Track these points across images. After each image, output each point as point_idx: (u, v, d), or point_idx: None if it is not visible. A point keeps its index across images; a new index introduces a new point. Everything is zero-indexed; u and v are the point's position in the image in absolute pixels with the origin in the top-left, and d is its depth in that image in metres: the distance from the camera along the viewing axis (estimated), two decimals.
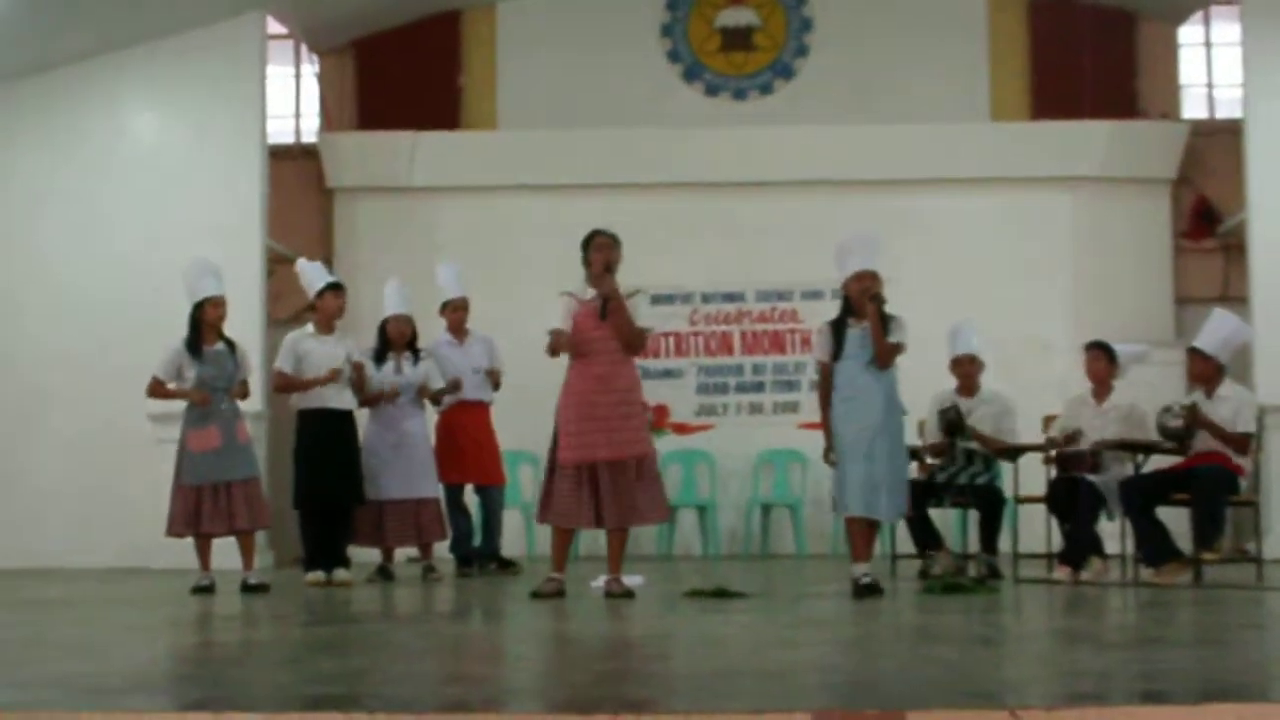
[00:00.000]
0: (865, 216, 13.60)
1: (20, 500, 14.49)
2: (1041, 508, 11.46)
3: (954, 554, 11.73)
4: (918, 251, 14.93)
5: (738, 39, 16.63)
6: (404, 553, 12.81)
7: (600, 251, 9.61)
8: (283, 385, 11.66)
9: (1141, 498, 10.72)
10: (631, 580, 9.97)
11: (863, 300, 9.62)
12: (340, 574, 11.41)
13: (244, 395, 11.10)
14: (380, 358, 12.15)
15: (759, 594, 9.89)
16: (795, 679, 5.48)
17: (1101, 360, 11.45)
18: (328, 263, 13.89)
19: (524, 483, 14.62)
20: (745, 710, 4.66)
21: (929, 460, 11.84)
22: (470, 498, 12.61)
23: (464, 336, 12.57)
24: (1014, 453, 11.48)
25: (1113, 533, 11.24)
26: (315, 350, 11.49)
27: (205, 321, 10.92)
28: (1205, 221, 15.95)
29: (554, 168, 15.84)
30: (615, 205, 14.60)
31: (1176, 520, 10.99)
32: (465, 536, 12.49)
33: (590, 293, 9.62)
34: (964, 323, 12.06)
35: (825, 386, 9.83)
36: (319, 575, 11.34)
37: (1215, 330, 11.07)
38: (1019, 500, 11.56)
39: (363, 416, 11.98)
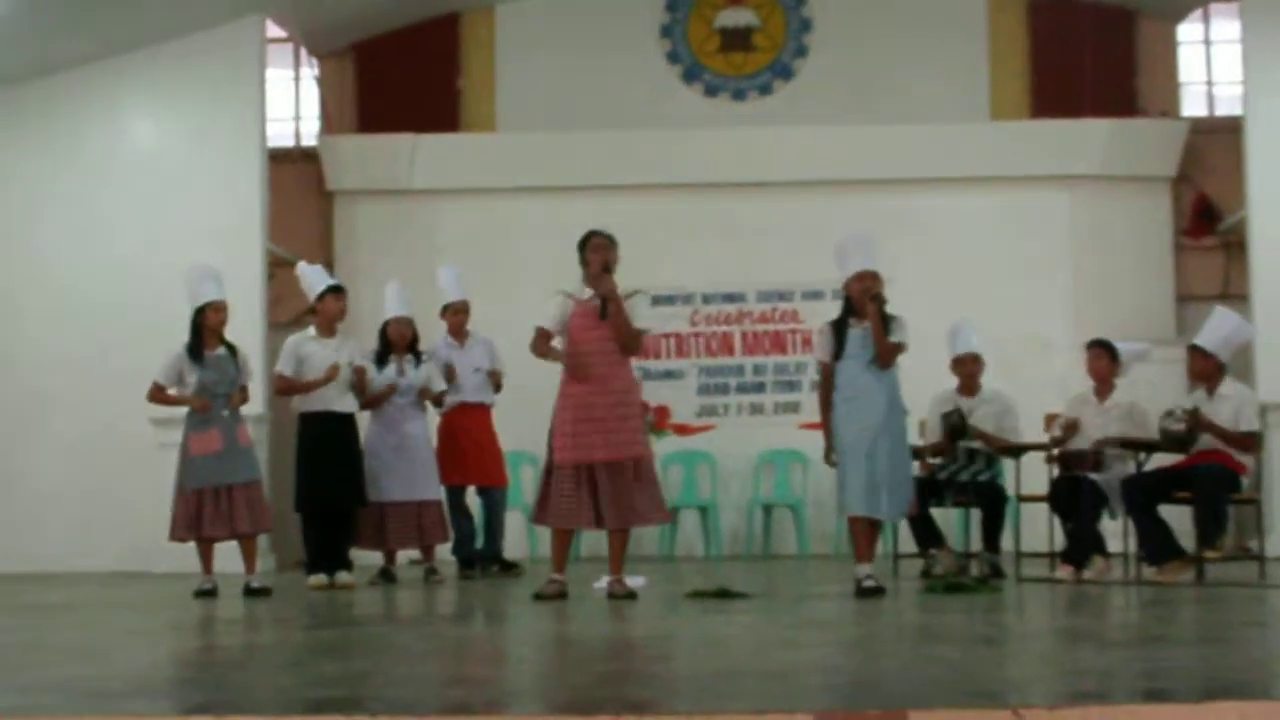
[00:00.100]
0: (865, 216, 13.60)
1: (21, 504, 14.48)
2: (1044, 507, 11.45)
3: (956, 553, 11.73)
4: (918, 251, 14.93)
5: (737, 40, 16.62)
6: (406, 555, 12.82)
7: (597, 252, 9.62)
8: (284, 388, 11.67)
9: (1143, 496, 10.73)
10: (634, 581, 9.97)
11: (864, 300, 9.63)
12: (342, 577, 11.41)
13: (244, 401, 11.09)
14: (381, 360, 12.15)
15: (761, 594, 9.89)
16: (797, 679, 5.48)
17: (1103, 359, 11.45)
18: (328, 265, 13.90)
19: (525, 484, 14.61)
20: (747, 711, 4.66)
21: (930, 460, 11.84)
22: (472, 500, 12.61)
23: (464, 338, 12.58)
24: (1016, 451, 11.47)
25: (1115, 531, 11.25)
26: (316, 353, 11.49)
27: (207, 326, 10.92)
28: (1206, 219, 15.95)
29: (553, 169, 15.84)
30: (615, 206, 14.61)
31: (1179, 518, 10.98)
32: (467, 538, 12.49)
33: (587, 293, 9.63)
34: (964, 322, 12.07)
35: (826, 387, 9.83)
36: (321, 578, 11.34)
37: (1216, 328, 11.07)
38: (1021, 499, 11.55)
39: (364, 419, 11.98)
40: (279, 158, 15.59)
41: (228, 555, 11.11)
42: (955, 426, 11.53)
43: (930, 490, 11.56)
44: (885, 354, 9.59)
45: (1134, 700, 4.86)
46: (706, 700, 5.01)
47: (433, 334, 12.63)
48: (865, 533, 9.71)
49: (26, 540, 14.36)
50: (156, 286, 13.63)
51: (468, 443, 12.39)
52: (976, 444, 11.64)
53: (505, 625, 8.72)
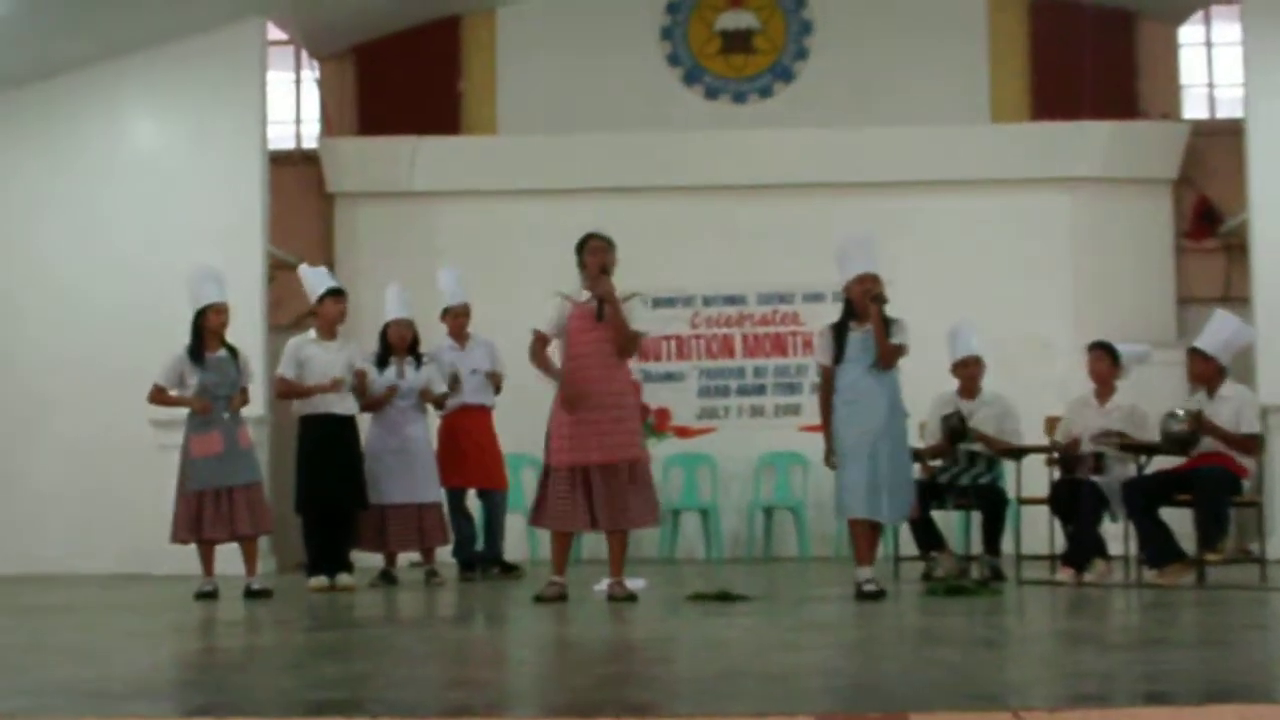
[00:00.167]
0: (866, 218, 13.60)
1: (21, 505, 14.47)
2: (1044, 509, 11.44)
3: (957, 556, 11.73)
4: (919, 253, 14.93)
5: (737, 42, 16.63)
6: (406, 557, 12.82)
7: (595, 255, 9.65)
8: (285, 391, 11.66)
9: (1144, 499, 10.73)
10: (634, 584, 9.98)
11: (865, 302, 9.62)
12: (343, 579, 11.42)
13: (244, 403, 11.09)
14: (382, 362, 12.15)
15: (761, 597, 9.89)
16: (798, 682, 5.48)
17: (1104, 361, 11.45)
18: (329, 267, 13.88)
19: (526, 486, 14.58)
20: (748, 713, 4.66)
21: (931, 463, 11.84)
22: (473, 502, 12.61)
23: (465, 341, 12.59)
24: (1017, 454, 11.47)
25: (1116, 534, 11.24)
26: (317, 356, 11.50)
27: (208, 328, 10.92)
28: (1207, 221, 15.95)
29: (554, 172, 15.84)
30: (615, 209, 14.60)
31: (1180, 521, 10.98)
32: (468, 541, 12.49)
33: (585, 295, 9.65)
34: (963, 324, 12.06)
35: (826, 390, 9.83)
36: (322, 580, 11.34)
37: (1216, 331, 11.07)
38: (1022, 502, 11.55)
39: (364, 421, 11.98)
40: (279, 160, 15.59)
41: (228, 557, 11.11)
42: (955, 429, 11.53)
43: (931, 493, 11.56)
44: (887, 355, 9.59)
45: (1135, 703, 4.86)
46: (707, 703, 5.01)
47: (433, 336, 12.63)
48: (866, 536, 9.70)
49: (27, 542, 14.36)
50: (157, 288, 13.64)
51: (468, 445, 12.39)
52: (977, 446, 11.64)
53: (506, 627, 8.72)
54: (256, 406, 12.39)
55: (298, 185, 16.08)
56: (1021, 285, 15.53)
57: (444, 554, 12.44)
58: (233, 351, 11.02)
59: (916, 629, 7.97)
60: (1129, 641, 7.13)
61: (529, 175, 15.89)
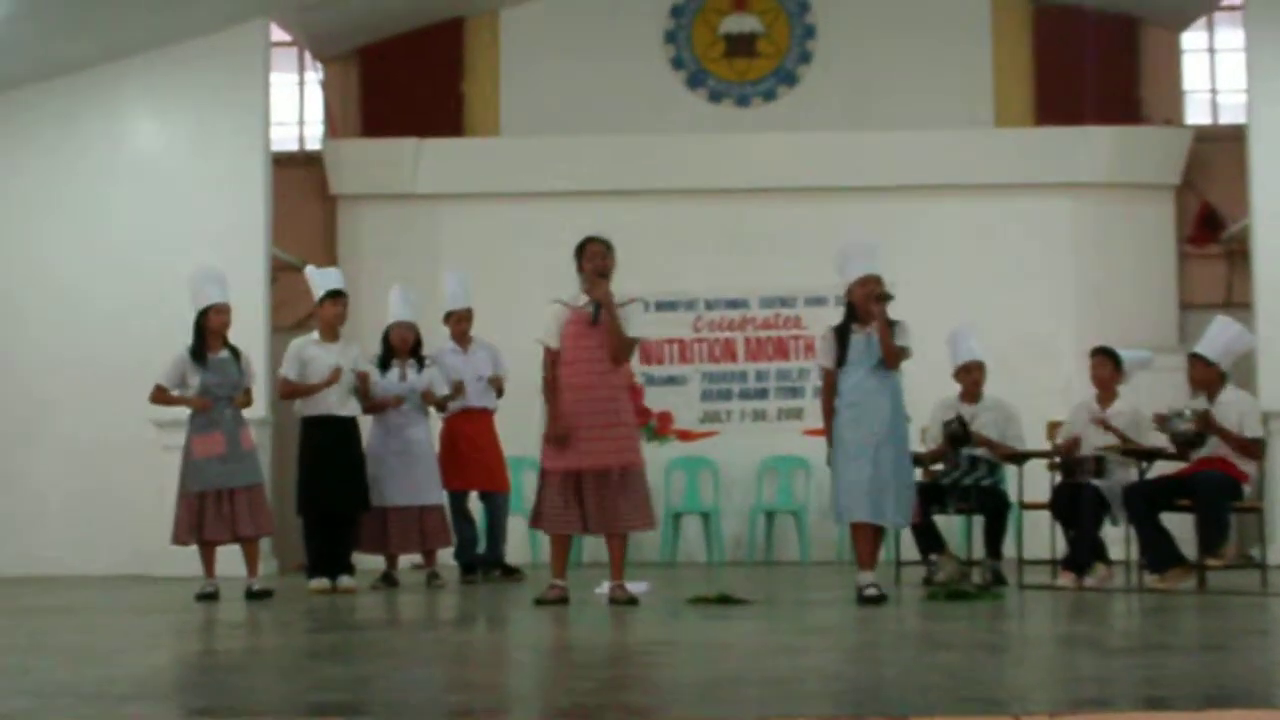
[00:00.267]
0: (869, 222, 13.63)
1: (22, 507, 14.46)
2: (1046, 514, 11.45)
3: (958, 560, 11.72)
4: (922, 257, 14.92)
5: (741, 45, 16.63)
6: (408, 559, 12.82)
7: (593, 259, 9.68)
8: (287, 392, 11.67)
9: (1145, 503, 10.73)
10: (636, 587, 9.98)
11: (868, 304, 9.62)
12: (344, 581, 11.42)
13: (247, 404, 11.11)
14: (384, 365, 12.15)
15: (763, 601, 9.89)
16: (799, 686, 5.48)
17: (1106, 366, 11.46)
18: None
19: (527, 489, 14.55)
20: (749, 718, 4.66)
21: (932, 467, 11.84)
22: (474, 504, 12.61)
23: (468, 344, 12.59)
24: (1020, 458, 11.47)
25: (1117, 538, 11.24)
26: (319, 357, 11.50)
27: (209, 329, 10.93)
28: (1209, 227, 15.95)
29: (557, 174, 15.84)
30: (618, 212, 14.61)
31: (1181, 526, 10.98)
32: (469, 543, 12.49)
33: (583, 299, 9.68)
34: (964, 328, 12.04)
35: (829, 393, 9.83)
36: (323, 582, 11.35)
37: (1217, 336, 11.08)
38: (1023, 506, 11.55)
39: (366, 423, 11.98)
40: (283, 162, 15.58)
41: (229, 559, 11.11)
42: (956, 435, 11.51)
43: (933, 496, 11.56)
44: (892, 355, 9.58)
45: (1135, 708, 4.86)
46: (708, 706, 5.02)
47: (435, 339, 12.63)
48: (868, 540, 9.70)
49: (27, 543, 14.35)
50: (159, 289, 13.63)
51: (470, 448, 12.39)
52: (980, 451, 11.63)
53: (507, 630, 8.73)
54: (258, 408, 12.39)
55: (301, 187, 16.08)
56: (1024, 290, 15.53)
57: (445, 556, 12.44)
58: (235, 352, 11.03)
59: (918, 633, 7.97)
60: (1130, 646, 7.13)
61: (532, 178, 15.89)
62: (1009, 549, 11.69)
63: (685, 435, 15.75)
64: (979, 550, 11.77)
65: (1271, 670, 6.10)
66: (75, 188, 14.73)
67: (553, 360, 9.75)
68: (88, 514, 14.37)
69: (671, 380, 15.83)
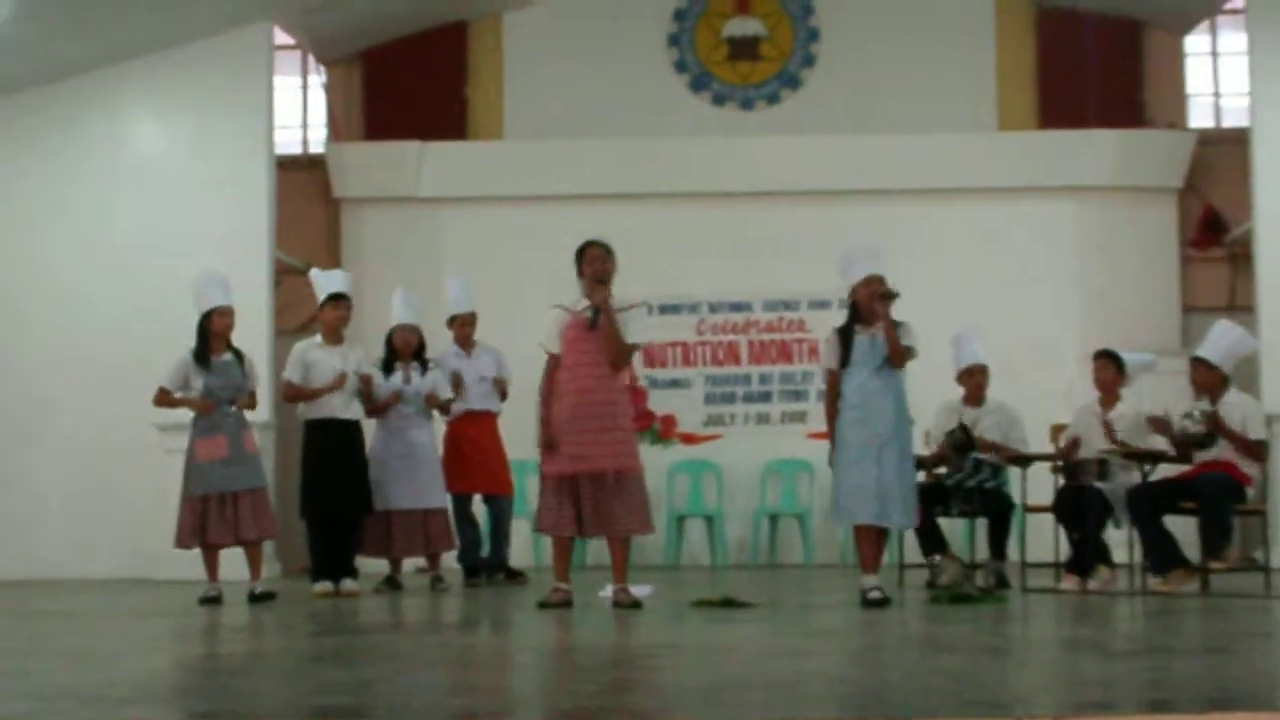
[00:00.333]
0: (872, 226, 13.62)
1: (23, 509, 14.46)
2: (1049, 517, 11.44)
3: (961, 562, 11.71)
4: (925, 260, 14.90)
5: (744, 49, 16.63)
6: (412, 563, 12.82)
7: (593, 264, 9.69)
8: (290, 395, 11.68)
9: (1148, 506, 10.73)
10: (640, 590, 9.97)
11: (872, 304, 9.61)
12: (348, 584, 11.41)
13: (251, 406, 11.11)
14: (387, 368, 12.15)
15: (766, 604, 9.88)
16: (802, 689, 5.48)
17: (1109, 369, 11.46)
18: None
19: (531, 492, 14.57)
20: None
21: (935, 470, 11.82)
22: (478, 508, 12.61)
23: (471, 348, 12.59)
24: (1025, 461, 11.47)
25: (1120, 541, 11.24)
26: (322, 360, 11.51)
27: (213, 332, 10.93)
28: (1212, 230, 15.96)
29: (561, 178, 15.84)
30: (622, 215, 14.63)
31: (1184, 529, 10.98)
32: (473, 546, 12.49)
33: (583, 304, 9.69)
34: (968, 332, 12.02)
35: (832, 394, 9.82)
36: (326, 586, 11.35)
37: (1219, 340, 11.09)
38: (1027, 509, 11.54)
39: (370, 427, 11.98)
40: (286, 165, 15.58)
41: (232, 562, 11.11)
42: (961, 444, 11.50)
43: (936, 499, 11.55)
44: (898, 353, 9.57)
45: (1139, 711, 4.85)
46: (711, 710, 5.01)
47: (439, 342, 12.63)
48: (871, 543, 9.70)
49: (30, 546, 14.35)
50: (162, 293, 13.63)
51: (474, 451, 12.39)
52: (986, 455, 11.62)
53: (510, 633, 8.72)
54: (262, 411, 12.39)
55: (304, 190, 16.08)
56: (1027, 293, 15.53)
57: (449, 560, 12.43)
58: (238, 355, 11.03)
59: (921, 636, 7.97)
60: (1133, 649, 7.13)
61: (535, 181, 15.90)
62: (1012, 552, 11.68)
63: (689, 438, 15.75)
64: (982, 553, 11.76)
65: (1275, 673, 6.10)
66: (78, 191, 14.74)
67: (553, 365, 9.77)
68: (88, 516, 14.37)
69: (675, 383, 15.83)
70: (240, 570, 11.04)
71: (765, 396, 15.85)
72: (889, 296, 9.57)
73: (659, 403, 15.71)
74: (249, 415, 11.13)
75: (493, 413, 12.56)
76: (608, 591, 9.89)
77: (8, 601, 11.46)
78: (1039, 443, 11.97)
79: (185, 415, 11.10)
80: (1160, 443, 11.11)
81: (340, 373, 11.38)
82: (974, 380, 11.87)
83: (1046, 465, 11.56)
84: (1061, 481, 11.38)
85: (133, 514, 13.98)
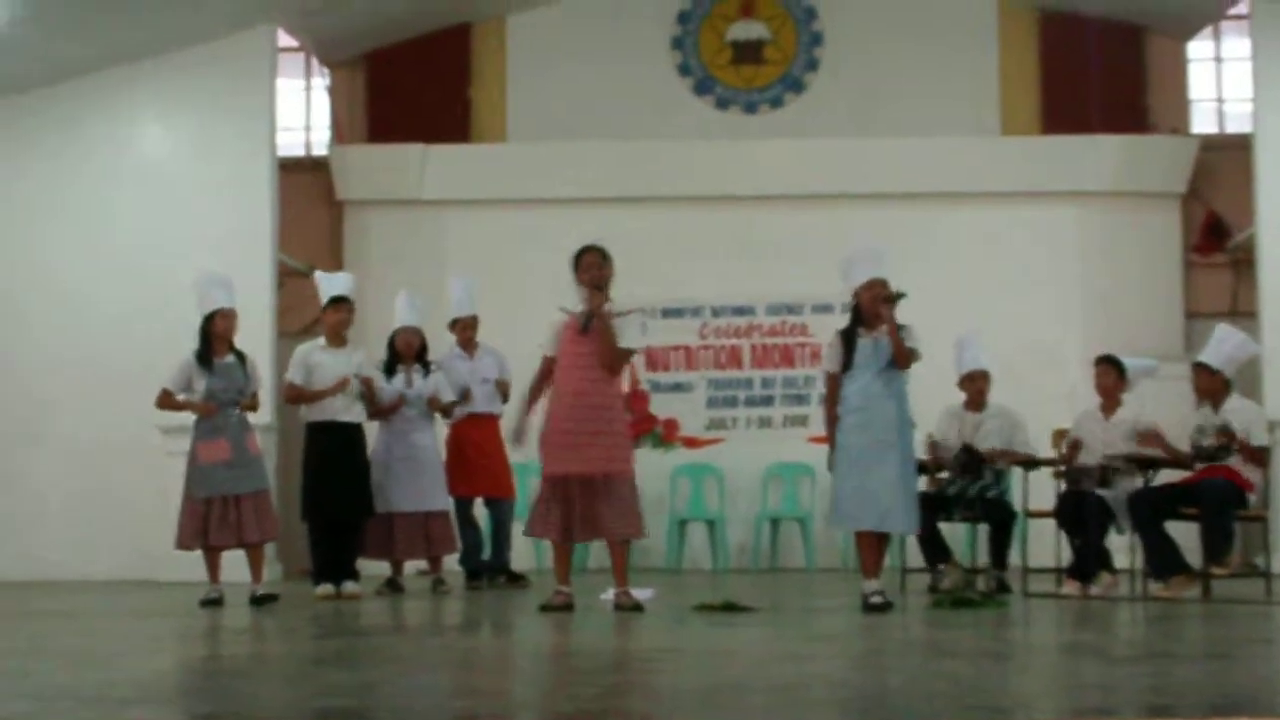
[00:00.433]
0: (875, 230, 13.61)
1: (25, 510, 14.47)
2: (1051, 522, 11.44)
3: (963, 568, 11.71)
4: (928, 265, 14.86)
5: (748, 52, 16.64)
6: (413, 565, 12.82)
7: (588, 270, 9.69)
8: (293, 397, 11.69)
9: (1150, 512, 10.73)
10: (642, 593, 9.96)
11: (875, 308, 9.60)
12: (349, 587, 11.41)
13: (253, 408, 11.11)
14: (390, 370, 12.15)
15: (768, 608, 9.88)
16: (804, 693, 5.48)
17: (1110, 375, 11.46)
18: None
19: (532, 496, 14.58)
20: None
21: (938, 475, 11.82)
22: (480, 511, 12.61)
23: (473, 350, 12.60)
24: (1032, 464, 11.48)
25: (1121, 547, 11.24)
26: (325, 362, 11.51)
27: (215, 333, 10.92)
28: (1215, 236, 15.96)
29: (564, 180, 15.85)
30: (625, 218, 14.67)
31: (1185, 534, 10.98)
32: (475, 549, 12.49)
33: (581, 306, 9.71)
34: (970, 336, 12.02)
35: (832, 398, 9.82)
36: (328, 588, 11.35)
37: (1220, 345, 11.09)
38: (1029, 515, 11.55)
39: (372, 429, 11.99)
40: (289, 167, 15.61)
41: (234, 564, 11.11)
42: (966, 465, 11.49)
43: (938, 505, 11.54)
44: (903, 355, 9.56)
45: (1140, 716, 4.85)
46: (711, 713, 5.01)
47: (441, 345, 12.64)
48: (873, 548, 9.69)
49: (30, 547, 14.36)
50: (164, 294, 13.64)
51: (476, 454, 12.39)
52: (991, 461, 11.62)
53: (511, 636, 8.72)
54: (264, 413, 12.38)
55: (307, 192, 16.09)
56: (1030, 298, 15.54)
57: (451, 562, 12.44)
58: (241, 357, 11.02)
59: (923, 641, 7.97)
60: (1134, 654, 7.12)
61: (539, 184, 15.91)
62: (1014, 557, 11.68)
63: (691, 442, 15.76)
64: (984, 558, 11.76)
65: (1276, 679, 6.09)
66: (79, 192, 14.76)
67: (546, 368, 9.80)
68: (89, 517, 14.39)
69: (678, 387, 15.84)
70: (241, 572, 11.04)
71: (767, 400, 15.86)
72: (894, 298, 9.56)
73: (661, 406, 15.72)
74: (251, 417, 11.13)
75: (495, 415, 12.56)
76: (609, 595, 9.89)
77: (8, 602, 11.46)
78: (1041, 447, 11.96)
79: (187, 417, 11.09)
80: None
81: (342, 377, 11.39)
82: (975, 385, 11.86)
83: (1048, 470, 11.56)
84: (1063, 487, 11.38)
85: (134, 515, 13.99)
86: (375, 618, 9.73)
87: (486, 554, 12.60)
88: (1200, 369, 11.07)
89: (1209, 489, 10.65)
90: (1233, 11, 15.82)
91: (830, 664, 6.53)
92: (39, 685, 5.92)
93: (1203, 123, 16.57)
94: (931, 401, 11.71)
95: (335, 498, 11.43)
